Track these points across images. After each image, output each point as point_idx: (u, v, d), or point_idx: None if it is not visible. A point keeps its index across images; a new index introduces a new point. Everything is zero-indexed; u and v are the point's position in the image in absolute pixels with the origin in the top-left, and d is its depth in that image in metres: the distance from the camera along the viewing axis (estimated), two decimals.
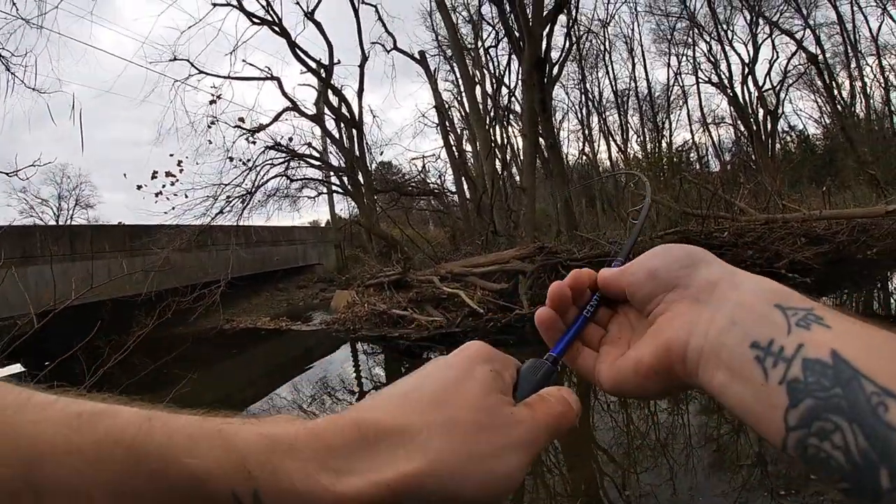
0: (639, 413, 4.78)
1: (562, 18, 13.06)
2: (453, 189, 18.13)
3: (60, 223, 30.41)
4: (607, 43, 24.78)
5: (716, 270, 0.43)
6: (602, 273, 0.51)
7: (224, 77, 13.61)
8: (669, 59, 26.44)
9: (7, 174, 4.15)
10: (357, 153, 15.07)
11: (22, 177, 4.17)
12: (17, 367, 5.87)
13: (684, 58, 26.51)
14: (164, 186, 12.02)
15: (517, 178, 16.46)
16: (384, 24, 15.64)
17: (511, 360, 0.46)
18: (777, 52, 24.64)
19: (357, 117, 15.05)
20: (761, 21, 23.53)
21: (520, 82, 12.93)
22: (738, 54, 25.00)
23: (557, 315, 0.50)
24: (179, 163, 12.27)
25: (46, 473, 0.26)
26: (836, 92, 23.57)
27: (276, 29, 13.40)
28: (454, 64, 17.79)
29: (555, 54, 14.35)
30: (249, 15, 13.18)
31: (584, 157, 26.91)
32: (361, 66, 15.13)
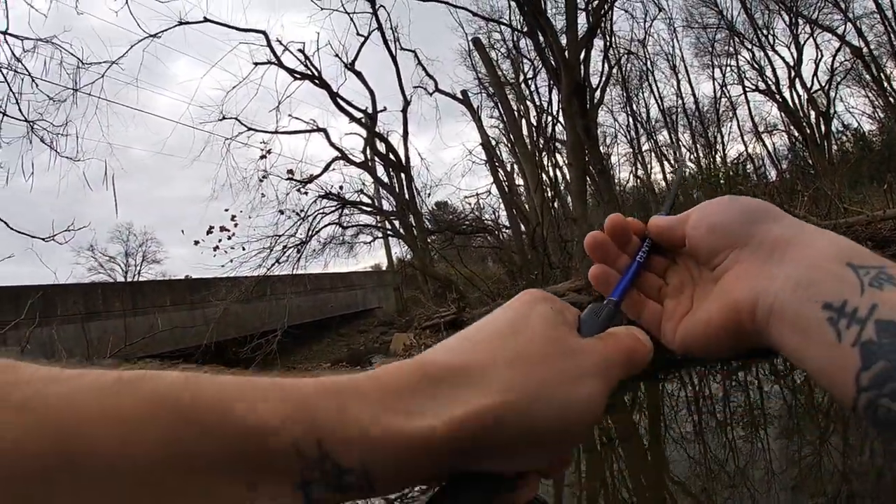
0: (716, 441, 4.51)
1: (598, 43, 13.04)
2: (507, 224, 18.10)
3: (129, 279, 31.86)
4: (648, 62, 24.47)
5: (786, 226, 0.42)
6: (654, 221, 0.50)
7: (272, 132, 14.04)
8: (713, 72, 25.83)
9: (44, 239, 4.36)
10: (407, 196, 15.24)
11: (60, 240, 4.37)
12: None
13: (728, 68, 25.85)
14: (219, 241, 12.40)
15: (570, 206, 16.29)
16: (424, 68, 15.85)
17: (570, 306, 0.43)
18: (821, 51, 23.70)
19: (404, 161, 15.27)
20: (801, 21, 22.82)
21: (561, 111, 12.87)
22: (782, 58, 24.18)
23: (607, 266, 0.50)
24: (233, 217, 12.62)
25: (83, 443, 0.23)
26: (885, 84, 22.59)
27: (317, 82, 13.82)
28: (497, 100, 17.94)
29: (595, 80, 14.29)
30: (290, 71, 13.61)
31: (638, 181, 26.44)
32: (404, 111, 15.41)
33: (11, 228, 4.45)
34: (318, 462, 0.29)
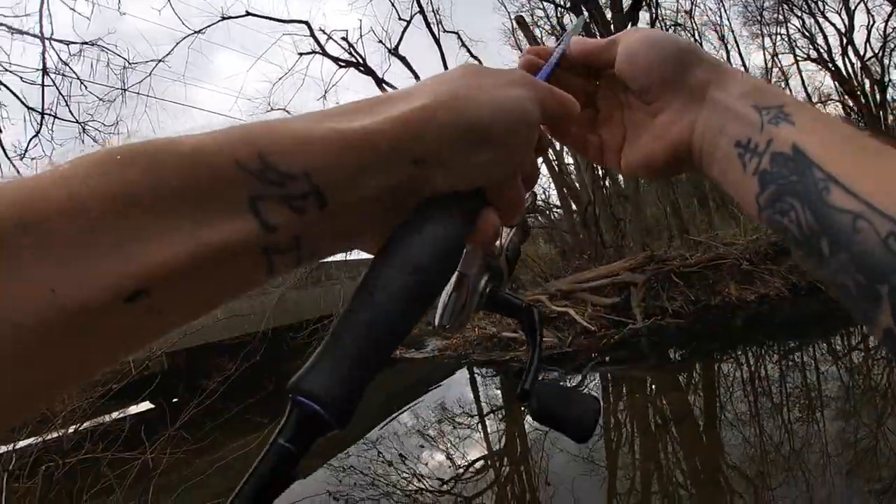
0: (771, 423, 4.45)
1: (644, 16, 12.68)
2: (558, 203, 17.94)
3: None
4: (696, 34, 23.54)
5: (707, 69, 0.47)
6: (579, 40, 0.53)
7: None
8: (763, 41, 24.48)
9: None
10: None
11: None
12: (146, 405, 6.38)
13: (778, 37, 24.48)
14: None
15: (622, 184, 16.01)
16: (468, 49, 15.77)
17: None
18: (873, 16, 22.15)
19: None
20: None
21: None
22: (833, 25, 22.71)
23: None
24: None
25: (37, 207, 0.23)
26: None
27: (362, 69, 13.93)
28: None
29: None
30: (335, 59, 13.81)
31: None
32: None
33: None
34: (260, 172, 0.28)
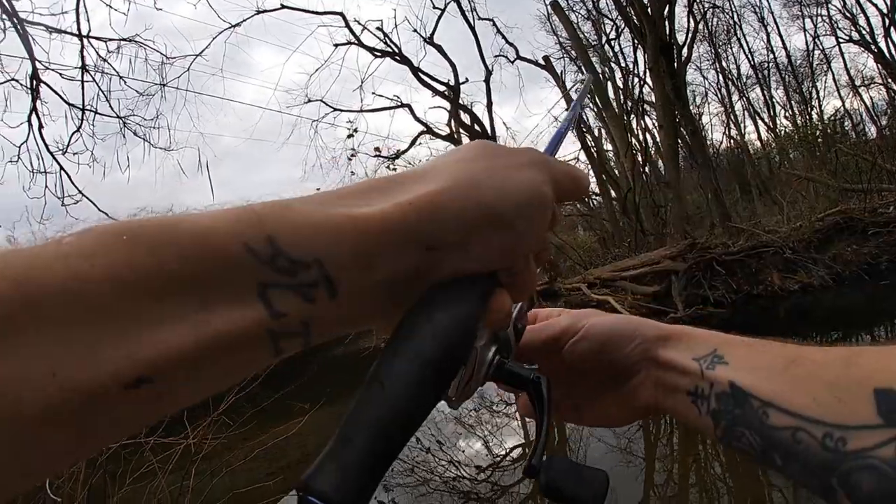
0: None
1: None
2: (597, 191, 17.69)
3: None
4: (735, 16, 22.64)
5: (642, 343, 0.54)
6: (533, 332, 0.57)
7: (357, 111, 14.32)
8: (804, 23, 23.32)
9: None
10: None
11: None
12: None
13: (819, 18, 23.29)
14: None
15: (662, 171, 15.72)
16: (503, 36, 15.52)
17: None
18: None
19: (490, 131, 15.16)
20: None
21: (648, 71, 12.36)
22: (875, 5, 21.51)
23: None
24: None
25: (38, 283, 0.22)
26: None
27: (398, 58, 13.89)
28: (580, 64, 17.37)
29: (681, 37, 13.59)
30: (370, 49, 13.74)
31: (732, 141, 24.83)
32: (487, 81, 15.21)
33: (111, 218, 4.89)
34: (271, 259, 0.27)
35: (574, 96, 0.54)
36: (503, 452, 4.83)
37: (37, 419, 0.21)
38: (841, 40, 23.46)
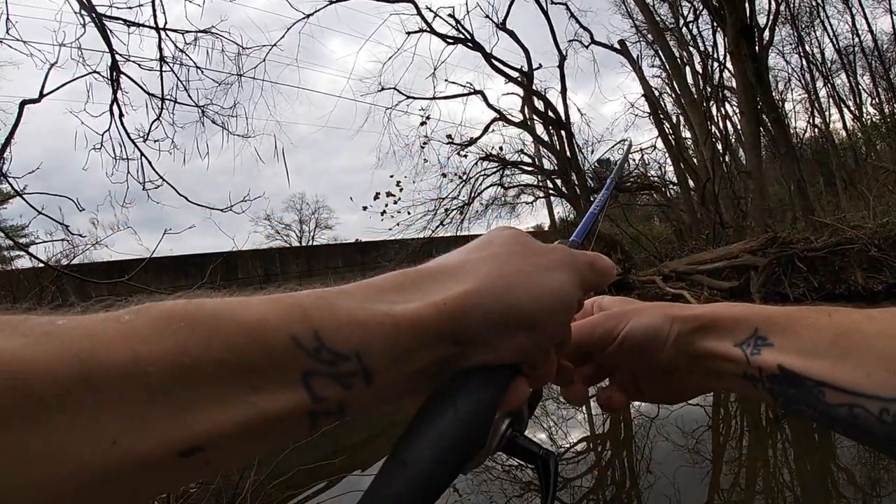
0: None
1: None
2: (675, 181, 17.12)
3: (303, 244, 34.30)
4: None
5: (682, 335, 0.51)
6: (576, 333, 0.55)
7: (430, 98, 14.41)
8: (890, 4, 21.52)
9: (222, 210, 4.92)
10: (568, 154, 14.95)
11: (237, 210, 4.89)
12: None
13: None
14: (386, 206, 13.15)
15: (743, 160, 15.04)
16: (577, 20, 15.22)
17: None
18: None
19: (564, 118, 14.94)
20: None
21: (728, 55, 11.80)
22: None
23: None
24: (398, 183, 13.33)
25: (99, 363, 0.25)
26: None
27: (470, 45, 13.85)
28: (657, 48, 16.82)
29: (763, 19, 12.88)
30: (442, 37, 13.78)
31: (816, 130, 23.28)
32: (561, 66, 14.99)
33: (191, 202, 5.01)
34: (316, 351, 0.30)
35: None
36: (567, 445, 4.82)
37: (97, 481, 0.24)
38: None
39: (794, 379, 0.43)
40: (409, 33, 13.64)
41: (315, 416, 0.31)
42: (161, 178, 5.55)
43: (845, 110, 22.56)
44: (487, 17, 14.09)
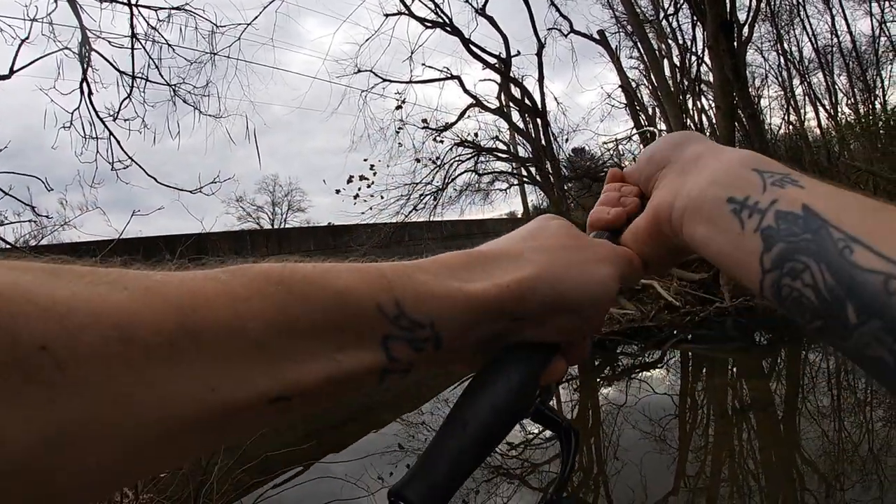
0: (852, 420, 4.26)
1: None
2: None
3: (276, 227, 33.58)
4: None
5: (703, 146, 0.48)
6: (614, 171, 0.60)
7: (406, 82, 14.20)
8: (871, 6, 21.82)
9: (191, 192, 4.87)
10: (543, 142, 14.97)
11: (207, 192, 4.85)
12: None
13: (887, 2, 21.81)
14: (359, 189, 13.02)
15: None
16: (558, 9, 15.11)
17: None
18: None
19: (540, 106, 14.93)
20: None
21: (706, 49, 11.91)
22: None
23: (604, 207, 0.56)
24: (372, 167, 13.13)
25: (202, 319, 0.27)
26: None
27: (448, 29, 13.69)
28: (636, 39, 16.85)
29: (743, 15, 13.02)
30: (421, 20, 13.58)
31: (790, 127, 23.69)
32: (539, 55, 14.95)
33: (160, 183, 4.95)
34: (396, 318, 0.34)
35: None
36: (536, 431, 4.86)
37: (194, 425, 0.26)
38: None
39: (814, 223, 0.34)
40: (387, 15, 13.48)
41: (386, 373, 0.34)
42: (130, 158, 5.43)
43: (820, 109, 22.80)
44: (467, 1, 13.97)
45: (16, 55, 4.59)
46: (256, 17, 10.47)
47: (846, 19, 26.61)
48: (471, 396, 0.41)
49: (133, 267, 0.30)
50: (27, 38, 4.82)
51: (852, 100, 22.51)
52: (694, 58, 15.49)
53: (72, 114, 5.61)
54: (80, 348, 0.23)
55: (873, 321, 0.30)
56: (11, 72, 4.53)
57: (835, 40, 22.50)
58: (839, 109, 22.80)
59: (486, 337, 0.40)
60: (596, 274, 0.44)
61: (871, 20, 22.76)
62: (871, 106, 21.26)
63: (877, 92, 22.18)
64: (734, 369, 6.35)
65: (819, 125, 23.02)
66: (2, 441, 0.21)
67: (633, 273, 0.49)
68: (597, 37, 17.19)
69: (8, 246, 4.21)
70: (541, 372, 0.44)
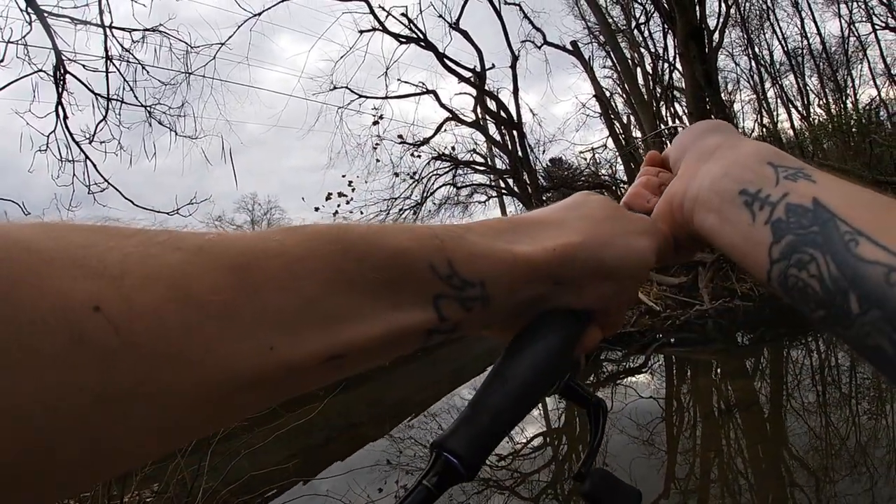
0: (838, 415, 4.29)
1: None
2: (625, 179, 17.41)
3: None
4: (769, 0, 22.02)
5: (723, 137, 0.49)
6: (652, 153, 0.61)
7: (382, 98, 14.25)
8: (839, 8, 22.15)
9: (168, 214, 4.86)
10: (520, 154, 15.07)
11: (184, 213, 4.84)
12: None
13: (855, 4, 22.20)
14: (338, 206, 13.00)
15: None
16: (531, 21, 15.27)
17: None
18: None
19: (516, 118, 15.05)
20: None
21: (678, 56, 12.12)
22: None
23: (642, 189, 0.57)
24: (350, 183, 13.18)
25: (258, 274, 0.27)
26: None
27: (423, 45, 13.77)
28: (608, 49, 17.10)
29: (713, 21, 13.29)
30: (395, 36, 13.65)
31: (764, 129, 24.11)
32: (513, 67, 15.08)
33: (136, 205, 4.97)
34: (448, 277, 0.35)
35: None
36: (524, 440, 4.84)
37: (252, 383, 0.26)
38: (877, 27, 22.34)
39: (823, 217, 0.35)
40: (361, 32, 13.53)
41: (434, 332, 0.34)
42: (106, 181, 5.39)
43: (793, 110, 23.29)
44: (441, 16, 14.07)
45: None
46: (231, 37, 10.47)
47: (815, 21, 27.16)
48: (511, 357, 0.42)
49: None
50: (1, 60, 4.76)
51: (824, 100, 22.92)
52: (666, 65, 15.80)
53: (47, 137, 5.57)
54: (135, 309, 0.23)
55: (874, 311, 0.31)
56: None
57: (805, 42, 22.96)
58: (811, 110, 23.16)
59: (528, 299, 0.41)
60: (636, 244, 0.45)
61: (840, 21, 23.21)
62: (842, 105, 21.73)
63: (848, 91, 22.66)
64: (718, 370, 6.39)
65: (792, 126, 23.23)
66: (57, 403, 0.20)
67: (667, 250, 0.50)
68: (570, 48, 17.43)
69: None
70: (577, 337, 0.45)
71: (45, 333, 0.20)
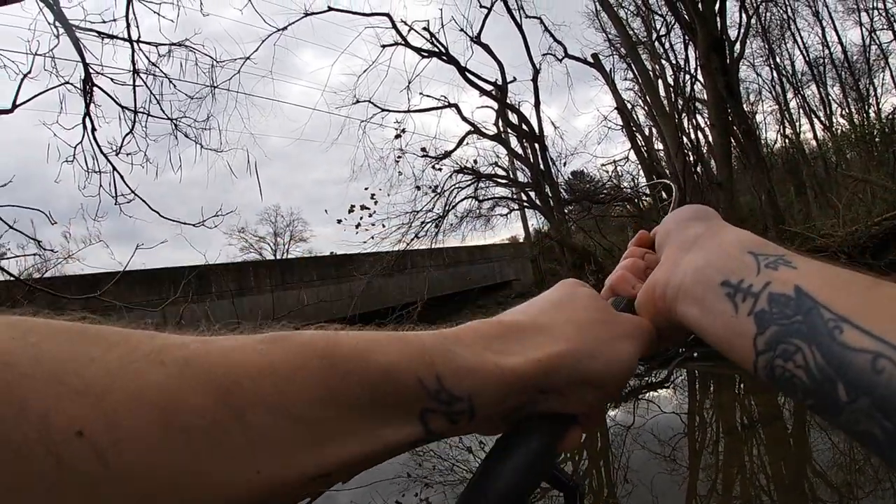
0: None
1: None
2: (648, 192, 17.24)
3: (278, 257, 33.66)
4: (789, 9, 21.35)
5: (706, 226, 0.50)
6: (643, 233, 0.63)
7: (404, 112, 14.31)
8: (860, 16, 21.62)
9: (194, 225, 4.91)
10: (542, 167, 15.04)
11: (209, 225, 4.89)
12: None
13: (876, 12, 21.54)
14: (361, 219, 13.07)
15: (715, 171, 15.27)
16: (551, 34, 15.25)
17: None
18: None
19: (537, 131, 15.03)
20: None
21: (699, 68, 12.02)
22: None
23: (627, 273, 0.59)
24: (373, 195, 13.21)
25: (245, 395, 0.26)
26: None
27: (445, 59, 13.84)
28: (629, 61, 17.02)
29: (734, 32, 13.18)
30: (417, 50, 13.73)
31: (787, 140, 23.65)
32: (534, 80, 15.09)
33: (163, 217, 5.02)
34: (436, 393, 0.35)
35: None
36: None
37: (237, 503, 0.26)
38: None
39: (806, 305, 0.35)
40: (383, 46, 13.63)
41: (417, 443, 0.35)
42: (133, 192, 5.48)
43: (815, 121, 22.87)
44: (462, 30, 14.14)
45: (18, 89, 4.65)
46: (255, 51, 10.62)
47: (836, 31, 26.76)
48: (498, 458, 0.43)
49: (166, 329, 0.29)
50: (29, 72, 4.90)
51: (846, 110, 22.48)
52: (688, 77, 15.69)
53: (74, 148, 5.67)
54: (119, 434, 0.22)
55: (862, 399, 0.30)
56: (14, 106, 4.60)
57: (826, 52, 22.60)
58: (834, 120, 22.74)
59: (514, 407, 0.42)
60: (622, 351, 0.46)
61: (861, 30, 22.86)
62: (865, 115, 21.19)
63: (870, 100, 22.20)
64: (741, 385, 6.29)
65: (815, 137, 22.92)
66: None
67: (651, 346, 0.50)
68: (591, 60, 17.37)
69: (12, 278, 4.24)
70: (559, 440, 0.45)
71: (29, 460, 0.20)
